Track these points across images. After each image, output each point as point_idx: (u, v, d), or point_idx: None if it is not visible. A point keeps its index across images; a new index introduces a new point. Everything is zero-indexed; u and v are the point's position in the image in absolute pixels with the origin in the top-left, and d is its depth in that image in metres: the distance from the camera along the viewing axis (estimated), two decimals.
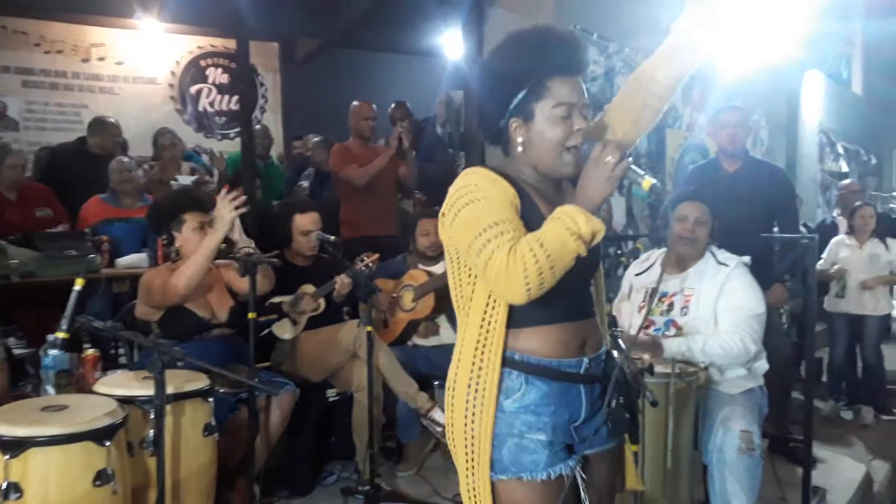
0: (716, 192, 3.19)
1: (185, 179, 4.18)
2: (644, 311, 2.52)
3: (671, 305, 2.50)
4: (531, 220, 1.33)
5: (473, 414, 1.34)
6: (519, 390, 1.35)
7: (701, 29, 1.37)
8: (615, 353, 1.46)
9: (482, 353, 1.35)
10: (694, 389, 2.27)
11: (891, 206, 9.02)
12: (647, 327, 2.50)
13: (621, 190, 5.25)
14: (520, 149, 1.39)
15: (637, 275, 2.66)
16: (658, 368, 2.15)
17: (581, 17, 4.78)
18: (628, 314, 2.60)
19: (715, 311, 2.43)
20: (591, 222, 1.24)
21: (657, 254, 2.67)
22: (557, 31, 1.39)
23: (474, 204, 1.30)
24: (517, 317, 1.35)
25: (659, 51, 1.42)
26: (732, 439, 2.28)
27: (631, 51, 5.24)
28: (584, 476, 1.40)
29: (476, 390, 1.34)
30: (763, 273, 2.83)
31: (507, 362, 1.35)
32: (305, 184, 5.12)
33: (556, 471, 1.34)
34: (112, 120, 4.62)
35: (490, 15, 4.93)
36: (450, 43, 5.56)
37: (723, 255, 2.53)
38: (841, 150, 9.69)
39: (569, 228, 1.23)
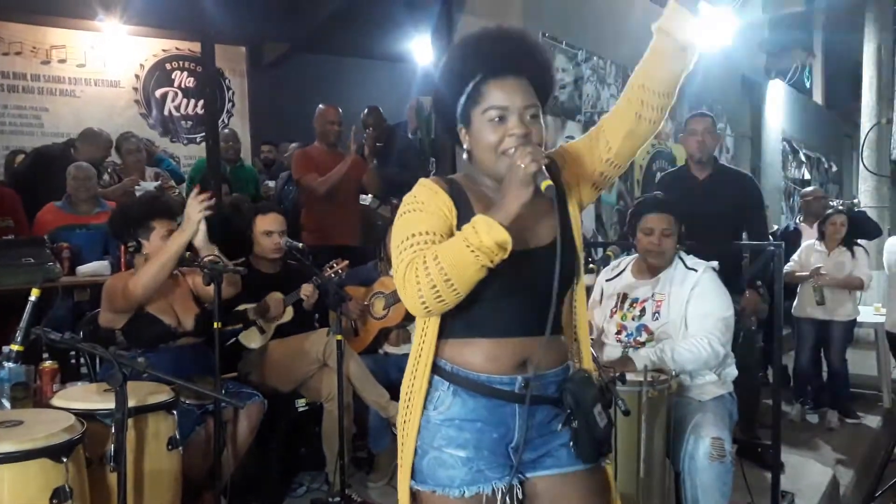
0: (686, 199, 3.22)
1: (149, 185, 4.09)
2: (616, 317, 2.53)
3: (643, 310, 2.51)
4: None
5: (405, 422, 1.37)
6: (445, 402, 1.34)
7: (684, 28, 1.33)
8: (585, 371, 1.40)
9: (417, 361, 1.36)
10: (666, 397, 2.28)
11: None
12: (619, 332, 2.51)
13: None
14: (465, 156, 1.38)
15: (608, 280, 2.66)
16: (630, 377, 2.15)
17: (549, 26, 4.81)
18: (600, 319, 2.60)
19: (685, 316, 2.45)
20: (494, 233, 1.19)
21: (627, 260, 2.68)
22: (494, 33, 1.35)
23: (406, 215, 1.32)
24: (448, 327, 1.34)
25: (645, 57, 1.37)
26: (704, 447, 2.29)
27: (599, 59, 5.29)
28: (520, 498, 1.36)
29: (409, 398, 1.37)
30: (731, 279, 2.86)
31: (438, 371, 1.35)
32: (271, 183, 5.06)
33: (472, 490, 1.31)
34: (106, 133, 4.47)
35: (459, 21, 4.94)
36: (420, 49, 5.55)
37: (691, 260, 2.55)
38: (803, 158, 9.93)
39: (466, 240, 1.20)
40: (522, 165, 1.22)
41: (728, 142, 7.44)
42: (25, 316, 2.00)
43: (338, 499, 2.64)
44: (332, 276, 2.86)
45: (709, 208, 3.25)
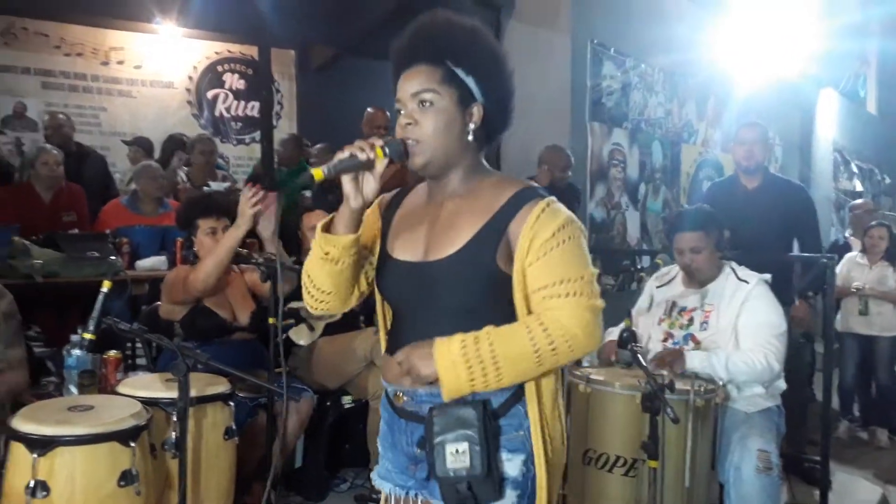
0: (734, 208, 3.20)
1: (218, 186, 4.22)
2: (664, 325, 2.52)
3: (691, 320, 2.50)
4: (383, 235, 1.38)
5: None
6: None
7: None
8: (464, 403, 1.22)
9: None
10: (713, 407, 2.27)
11: None
12: (665, 340, 2.51)
13: (636, 204, 5.26)
14: None
15: (658, 287, 2.66)
16: (678, 385, 2.15)
17: (598, 33, 4.81)
18: (646, 327, 2.60)
19: (735, 328, 2.42)
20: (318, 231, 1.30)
21: (678, 268, 2.66)
22: (404, 31, 1.30)
23: None
24: None
25: None
26: (750, 458, 2.27)
27: (647, 66, 5.26)
28: None
29: None
30: (782, 291, 2.82)
31: None
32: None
33: (379, 483, 1.37)
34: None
35: (507, 27, 4.97)
36: None
37: (743, 271, 2.53)
38: (855, 169, 9.68)
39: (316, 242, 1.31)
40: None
41: (777, 151, 7.31)
42: (97, 306, 2.10)
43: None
44: None
45: (758, 218, 3.21)
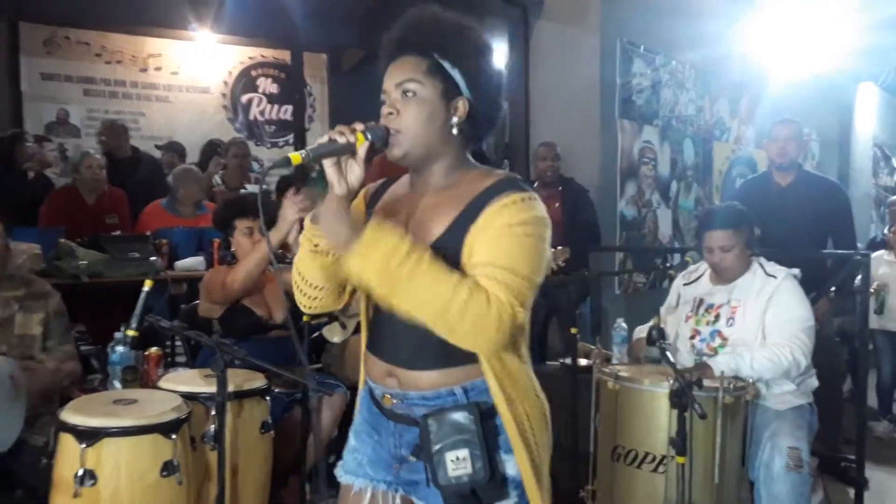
0: (767, 205, 3.18)
1: (253, 188, 4.33)
2: (691, 321, 2.52)
3: (717, 316, 2.50)
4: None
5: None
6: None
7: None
8: (464, 409, 1.21)
9: None
10: (743, 404, 2.26)
11: None
12: (693, 337, 2.51)
13: (668, 202, 5.23)
14: None
15: (685, 285, 2.66)
16: (707, 383, 2.15)
17: (627, 30, 4.80)
18: (674, 324, 2.60)
19: (763, 323, 2.42)
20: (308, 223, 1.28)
21: (706, 265, 2.66)
22: (396, 21, 1.29)
23: None
24: None
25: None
26: (780, 456, 2.27)
27: (678, 63, 5.23)
28: None
29: None
30: (814, 288, 2.80)
31: None
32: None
33: (348, 478, 1.36)
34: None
35: (535, 27, 4.98)
36: (494, 53, 5.62)
37: (771, 266, 2.52)
38: None
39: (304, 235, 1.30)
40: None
41: (814, 147, 7.18)
42: (139, 304, 2.20)
43: None
44: None
45: (791, 215, 3.19)
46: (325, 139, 1.19)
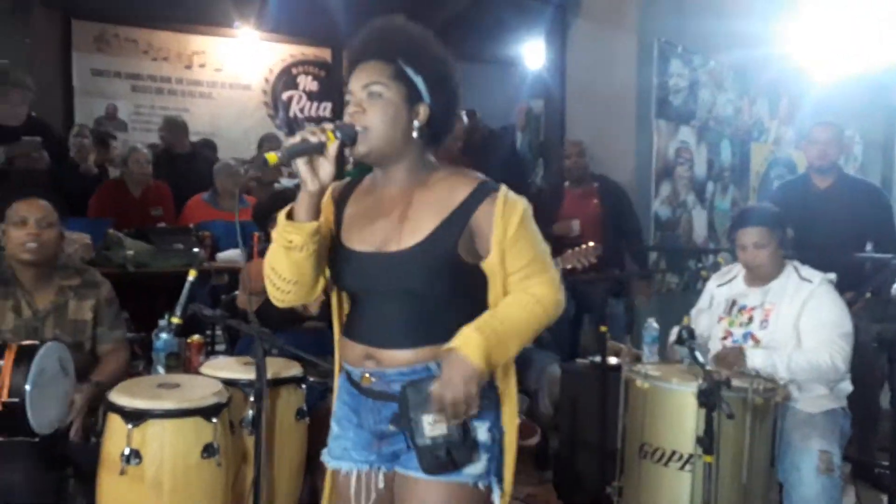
0: (805, 208, 3.16)
1: (288, 183, 4.44)
2: (724, 323, 2.53)
3: (751, 318, 2.49)
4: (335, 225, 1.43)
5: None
6: (340, 382, 1.49)
7: None
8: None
9: None
10: (773, 406, 2.26)
11: None
12: (725, 338, 2.51)
13: (703, 203, 5.19)
14: None
15: (718, 286, 2.66)
16: (736, 383, 2.16)
17: (665, 30, 4.77)
18: (707, 326, 2.61)
19: (797, 328, 2.41)
20: (279, 219, 1.32)
21: (739, 266, 2.66)
22: (365, 28, 1.38)
23: None
24: None
25: None
26: (810, 459, 2.26)
27: (716, 63, 5.17)
28: (379, 487, 1.41)
29: None
30: (850, 290, 2.77)
31: None
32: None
33: (335, 464, 1.46)
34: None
35: (572, 25, 4.99)
36: (530, 52, 5.64)
37: (806, 270, 2.50)
38: None
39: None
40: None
41: (857, 150, 7.01)
42: (184, 293, 2.29)
43: None
44: None
45: (829, 219, 3.15)
46: (297, 139, 1.26)
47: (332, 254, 1.41)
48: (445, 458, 1.29)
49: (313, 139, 1.25)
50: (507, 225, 1.32)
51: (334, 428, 1.49)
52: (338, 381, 1.49)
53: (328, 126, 1.28)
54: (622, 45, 4.66)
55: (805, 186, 3.45)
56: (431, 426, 1.28)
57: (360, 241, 1.38)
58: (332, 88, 6.76)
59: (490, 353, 1.28)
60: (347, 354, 1.43)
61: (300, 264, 1.34)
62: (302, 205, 1.30)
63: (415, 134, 1.34)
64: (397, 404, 1.33)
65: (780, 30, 5.03)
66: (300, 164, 1.27)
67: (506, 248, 1.33)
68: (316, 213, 1.32)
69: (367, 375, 1.38)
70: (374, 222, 1.37)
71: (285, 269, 1.35)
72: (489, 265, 1.35)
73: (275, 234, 1.34)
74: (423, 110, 1.35)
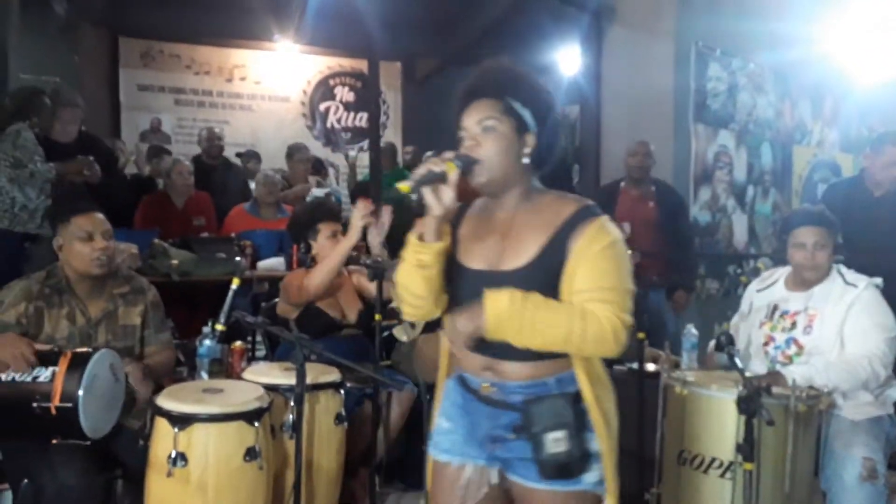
0: (857, 212, 3.11)
1: (319, 192, 4.52)
2: (765, 328, 2.48)
3: (794, 323, 2.44)
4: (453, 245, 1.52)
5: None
6: (449, 385, 1.58)
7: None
8: (562, 397, 1.43)
9: None
10: (816, 413, 2.22)
11: None
12: (766, 344, 2.47)
13: (744, 207, 5.11)
14: None
15: (759, 291, 2.61)
16: (778, 390, 2.12)
17: (703, 34, 4.72)
18: (746, 331, 2.57)
19: (841, 333, 2.35)
20: (411, 239, 1.45)
21: (781, 271, 2.61)
22: (473, 72, 1.50)
23: None
24: None
25: None
26: (853, 466, 2.21)
27: (756, 66, 5.10)
28: (491, 482, 1.50)
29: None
30: None
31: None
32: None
33: (445, 456, 1.52)
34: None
35: (608, 32, 4.97)
36: (565, 59, 5.64)
37: (851, 275, 2.44)
38: None
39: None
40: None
41: None
42: (227, 300, 2.36)
43: None
44: None
45: (883, 228, 3.11)
46: (423, 170, 1.40)
47: (450, 270, 1.51)
48: (565, 469, 1.41)
49: (436, 169, 1.39)
50: (591, 243, 1.39)
51: (443, 423, 1.57)
52: (445, 383, 1.59)
53: (448, 156, 1.41)
54: (659, 49, 4.63)
55: (857, 191, 3.41)
56: (554, 443, 1.39)
57: (475, 259, 1.49)
58: (368, 99, 6.84)
59: (502, 325, 1.37)
60: (467, 363, 1.51)
61: (430, 281, 1.47)
62: (428, 227, 1.44)
63: (525, 160, 1.46)
64: (518, 415, 1.43)
65: (819, 30, 4.93)
66: (426, 192, 1.40)
67: (580, 264, 1.39)
68: (441, 234, 1.45)
69: (487, 385, 1.48)
70: (485, 241, 1.49)
71: (418, 285, 1.47)
72: (563, 281, 1.41)
73: (406, 254, 1.47)
74: (530, 139, 1.46)
